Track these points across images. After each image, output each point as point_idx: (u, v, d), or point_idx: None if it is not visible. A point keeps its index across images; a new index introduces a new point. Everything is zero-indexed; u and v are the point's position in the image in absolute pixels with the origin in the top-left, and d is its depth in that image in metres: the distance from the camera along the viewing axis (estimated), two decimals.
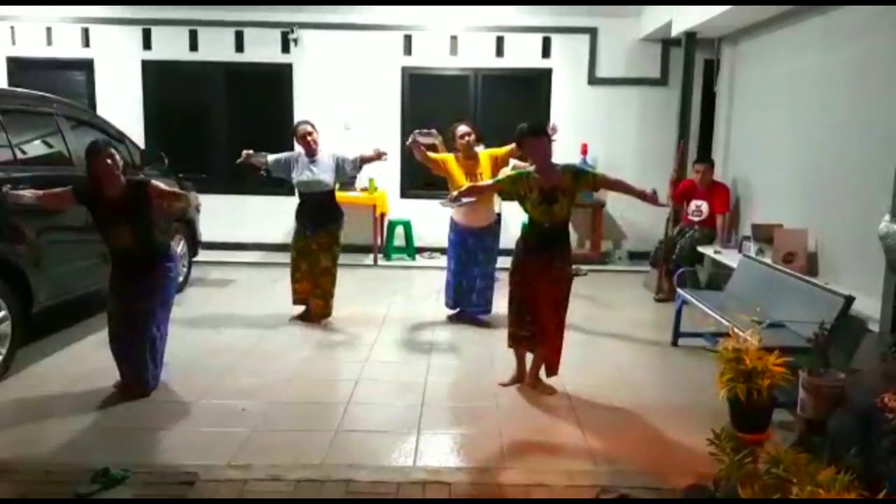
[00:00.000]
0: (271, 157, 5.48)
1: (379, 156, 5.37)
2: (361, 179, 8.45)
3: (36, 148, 5.07)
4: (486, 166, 5.37)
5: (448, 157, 5.45)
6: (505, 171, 4.86)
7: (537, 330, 4.11)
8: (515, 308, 4.17)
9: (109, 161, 3.82)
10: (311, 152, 5.42)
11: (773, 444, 2.85)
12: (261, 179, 5.67)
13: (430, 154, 5.40)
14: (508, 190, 4.15)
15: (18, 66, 8.69)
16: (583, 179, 4.04)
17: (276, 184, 5.69)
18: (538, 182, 3.97)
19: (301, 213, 5.55)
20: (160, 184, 4.09)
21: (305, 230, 5.51)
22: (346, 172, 5.55)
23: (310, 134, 5.41)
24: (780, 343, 3.34)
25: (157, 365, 4.09)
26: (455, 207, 4.46)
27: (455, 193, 4.46)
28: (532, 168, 4.07)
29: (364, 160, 5.42)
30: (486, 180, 5.05)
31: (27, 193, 4.04)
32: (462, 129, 5.42)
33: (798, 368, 3.13)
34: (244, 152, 5.40)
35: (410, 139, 5.33)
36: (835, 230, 5.07)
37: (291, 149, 5.59)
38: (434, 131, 5.53)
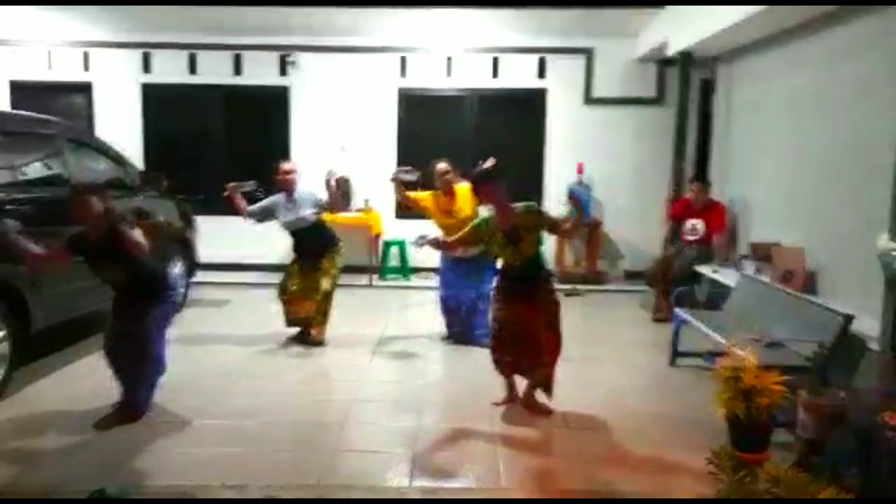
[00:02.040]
0: (251, 208, 5.50)
1: (328, 183, 5.31)
2: (357, 201, 8.49)
3: (37, 170, 5.07)
4: (466, 200, 5.36)
5: (426, 196, 5.59)
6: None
7: (522, 354, 4.13)
8: (496, 332, 4.18)
9: (89, 203, 3.78)
10: (288, 191, 5.45)
11: (772, 464, 2.83)
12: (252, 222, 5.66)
13: (409, 193, 5.54)
14: (474, 239, 4.25)
15: (19, 90, 8.73)
16: (543, 219, 4.08)
17: None
18: (499, 225, 4.04)
19: (297, 249, 5.61)
20: (134, 235, 3.83)
21: (305, 263, 5.53)
22: (320, 207, 5.47)
23: (288, 173, 5.45)
24: (779, 362, 3.33)
25: (151, 388, 4.06)
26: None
27: (424, 241, 4.29)
28: (491, 213, 4.13)
29: (331, 194, 5.34)
30: (462, 220, 5.11)
31: (31, 248, 3.92)
32: (441, 166, 5.49)
33: (797, 388, 3.11)
34: (228, 186, 5.40)
35: (393, 176, 5.49)
36: (833, 248, 5.07)
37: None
38: (414, 169, 5.53)
